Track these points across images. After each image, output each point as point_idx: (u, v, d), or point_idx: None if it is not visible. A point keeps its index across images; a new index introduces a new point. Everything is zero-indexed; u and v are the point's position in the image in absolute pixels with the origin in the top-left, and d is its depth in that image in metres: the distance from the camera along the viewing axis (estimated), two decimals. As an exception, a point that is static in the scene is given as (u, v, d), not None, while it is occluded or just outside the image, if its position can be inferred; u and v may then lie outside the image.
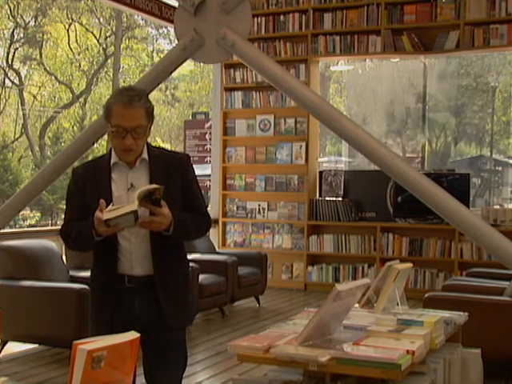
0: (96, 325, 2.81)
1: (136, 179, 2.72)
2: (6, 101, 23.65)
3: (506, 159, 22.52)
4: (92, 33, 23.67)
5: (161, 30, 23.85)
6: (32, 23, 23.07)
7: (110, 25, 23.43)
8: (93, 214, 2.56)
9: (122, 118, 2.59)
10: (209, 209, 8.17)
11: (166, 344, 2.77)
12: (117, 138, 2.64)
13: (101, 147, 21.34)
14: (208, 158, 10.58)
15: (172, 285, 2.76)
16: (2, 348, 5.29)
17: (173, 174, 2.75)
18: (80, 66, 23.92)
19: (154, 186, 2.55)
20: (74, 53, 23.70)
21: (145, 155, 2.74)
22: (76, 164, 3.13)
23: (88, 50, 23.93)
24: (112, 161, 2.74)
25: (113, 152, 2.74)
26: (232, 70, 8.93)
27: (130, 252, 2.71)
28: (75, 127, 23.79)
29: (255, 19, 8.63)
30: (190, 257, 2.99)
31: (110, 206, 2.56)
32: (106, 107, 2.66)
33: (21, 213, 15.21)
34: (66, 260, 5.90)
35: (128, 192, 2.70)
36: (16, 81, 23.37)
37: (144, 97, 2.65)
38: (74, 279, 5.52)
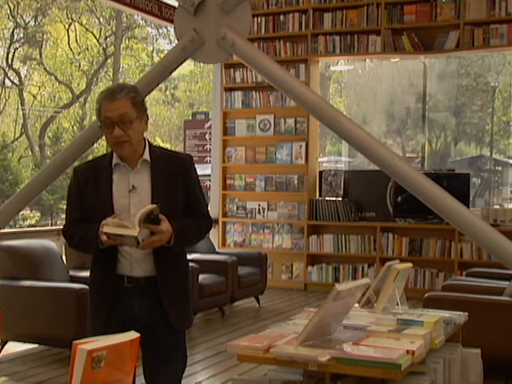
0: (93, 325, 2.81)
1: (137, 180, 2.71)
2: (6, 101, 23.65)
3: (505, 159, 22.54)
4: (92, 33, 23.67)
5: (161, 30, 23.87)
6: (32, 23, 23.08)
7: (109, 25, 23.44)
8: (95, 217, 2.59)
9: (107, 111, 2.63)
10: (209, 209, 8.16)
11: (166, 344, 2.77)
12: (107, 133, 2.66)
13: (101, 147, 21.33)
14: (208, 158, 10.58)
15: (173, 285, 2.75)
16: (2, 348, 5.28)
17: (175, 175, 2.74)
18: (80, 65, 23.92)
19: (150, 207, 2.56)
20: (73, 53, 23.70)
21: (146, 156, 2.73)
22: (76, 164, 3.12)
23: (88, 49, 23.94)
24: (113, 162, 2.74)
25: (114, 153, 2.75)
26: (232, 70, 8.93)
27: (129, 253, 2.70)
28: (75, 127, 23.79)
29: (255, 19, 8.63)
30: (189, 257, 2.99)
31: (115, 220, 2.57)
32: (96, 108, 2.71)
33: (21, 213, 15.20)
34: (66, 260, 5.90)
35: (129, 194, 2.70)
36: (16, 81, 23.38)
37: (128, 88, 2.68)
38: (73, 279, 5.52)
